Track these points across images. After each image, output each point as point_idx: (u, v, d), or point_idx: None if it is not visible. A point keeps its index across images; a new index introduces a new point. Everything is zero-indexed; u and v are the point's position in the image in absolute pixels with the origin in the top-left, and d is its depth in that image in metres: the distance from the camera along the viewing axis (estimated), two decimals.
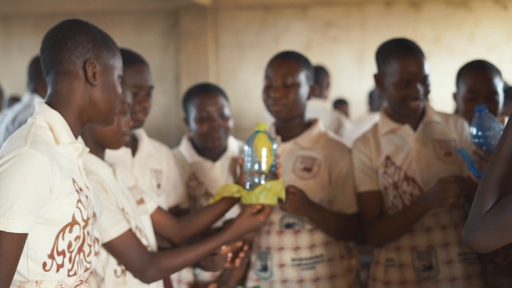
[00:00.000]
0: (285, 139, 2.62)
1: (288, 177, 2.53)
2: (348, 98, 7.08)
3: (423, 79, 2.50)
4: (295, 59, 2.58)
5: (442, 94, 6.87)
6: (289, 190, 2.39)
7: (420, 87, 2.48)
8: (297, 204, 2.41)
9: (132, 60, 2.40)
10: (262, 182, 2.18)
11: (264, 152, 2.17)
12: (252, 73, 7.63)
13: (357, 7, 7.65)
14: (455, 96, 2.77)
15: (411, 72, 2.47)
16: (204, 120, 2.67)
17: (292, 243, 2.55)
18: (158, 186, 2.52)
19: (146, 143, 2.54)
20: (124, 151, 2.40)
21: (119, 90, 1.84)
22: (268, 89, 2.57)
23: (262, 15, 7.84)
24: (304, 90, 2.55)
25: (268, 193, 2.14)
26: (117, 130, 2.12)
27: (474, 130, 2.18)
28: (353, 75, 7.63)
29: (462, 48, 7.42)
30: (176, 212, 2.63)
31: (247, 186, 2.19)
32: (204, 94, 2.71)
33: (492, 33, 7.40)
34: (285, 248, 2.55)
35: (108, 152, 2.33)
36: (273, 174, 2.21)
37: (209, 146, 2.70)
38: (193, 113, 2.70)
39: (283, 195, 2.19)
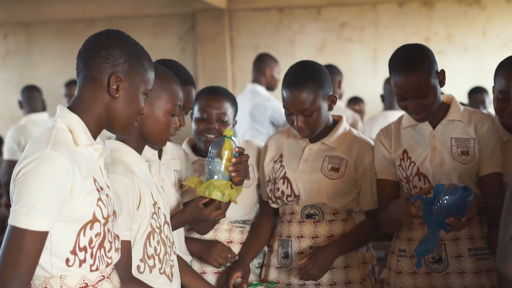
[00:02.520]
0: (312, 140, 2.70)
1: (316, 176, 2.64)
2: (363, 97, 7.11)
3: (419, 94, 2.49)
4: (308, 86, 2.56)
5: (456, 92, 6.91)
6: (308, 267, 2.58)
7: (417, 101, 2.50)
8: (317, 273, 2.58)
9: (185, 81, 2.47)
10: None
11: (225, 155, 2.34)
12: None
13: (370, 7, 7.69)
14: (493, 90, 2.66)
15: (404, 90, 2.46)
16: (203, 120, 2.72)
17: (311, 231, 2.65)
18: (181, 186, 2.61)
19: (169, 146, 2.62)
20: (153, 153, 2.48)
21: (142, 106, 1.88)
22: (289, 116, 2.62)
23: (277, 16, 7.91)
24: (324, 108, 2.59)
25: (213, 189, 2.33)
26: (165, 130, 2.18)
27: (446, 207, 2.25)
28: (368, 75, 7.68)
29: (475, 45, 7.43)
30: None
31: (204, 180, 2.39)
32: (210, 95, 2.76)
33: (505, 30, 7.40)
34: (304, 236, 2.66)
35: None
36: (228, 177, 2.38)
37: (201, 147, 2.76)
38: (195, 111, 2.77)
39: (226, 195, 2.36)
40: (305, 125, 2.57)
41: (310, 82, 2.55)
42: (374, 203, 2.68)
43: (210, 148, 2.37)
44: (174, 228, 2.36)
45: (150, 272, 2.09)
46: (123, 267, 1.98)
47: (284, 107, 2.60)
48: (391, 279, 2.65)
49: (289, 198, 2.68)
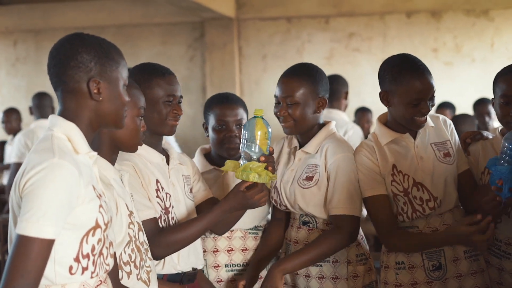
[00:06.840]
0: (301, 147, 2.72)
1: (293, 186, 2.66)
2: (370, 107, 7.13)
3: (432, 96, 2.56)
4: (299, 77, 2.63)
5: (463, 103, 6.94)
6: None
7: (429, 103, 2.55)
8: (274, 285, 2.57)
9: (164, 72, 2.53)
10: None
11: (258, 135, 2.36)
12: (276, 84, 7.70)
13: (378, 17, 7.72)
14: (493, 103, 2.70)
15: (423, 92, 2.51)
16: (222, 129, 2.78)
17: (304, 238, 2.67)
18: (191, 190, 2.64)
19: (175, 152, 2.65)
20: (161, 158, 2.52)
21: (126, 98, 1.91)
22: (276, 105, 2.68)
23: (285, 26, 7.95)
24: (310, 106, 2.62)
25: (251, 172, 2.34)
26: (136, 135, 2.22)
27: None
28: (375, 85, 7.59)
29: (483, 57, 7.45)
30: (215, 202, 2.72)
31: (241, 164, 2.40)
32: (224, 104, 2.81)
33: None
34: (299, 242, 2.68)
35: (149, 158, 2.47)
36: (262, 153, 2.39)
37: (224, 155, 2.80)
38: (212, 121, 2.81)
39: (264, 175, 2.36)
40: (288, 115, 2.61)
41: (304, 75, 2.63)
42: (341, 206, 2.59)
43: (242, 130, 2.41)
44: (220, 217, 2.42)
45: (128, 278, 2.14)
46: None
47: (275, 95, 2.67)
48: None
49: (282, 207, 2.72)
